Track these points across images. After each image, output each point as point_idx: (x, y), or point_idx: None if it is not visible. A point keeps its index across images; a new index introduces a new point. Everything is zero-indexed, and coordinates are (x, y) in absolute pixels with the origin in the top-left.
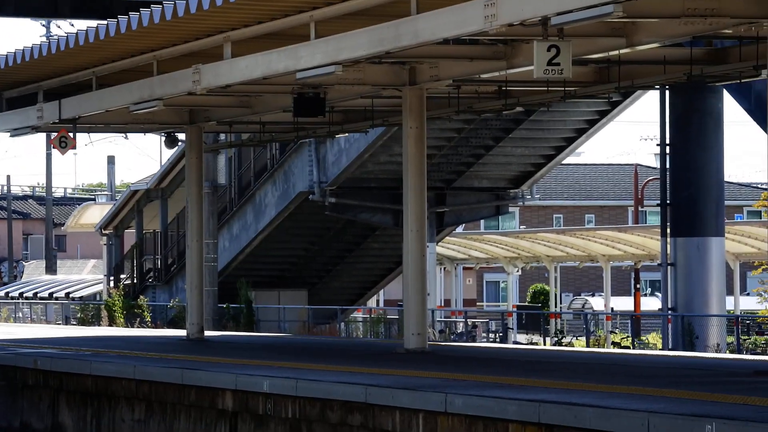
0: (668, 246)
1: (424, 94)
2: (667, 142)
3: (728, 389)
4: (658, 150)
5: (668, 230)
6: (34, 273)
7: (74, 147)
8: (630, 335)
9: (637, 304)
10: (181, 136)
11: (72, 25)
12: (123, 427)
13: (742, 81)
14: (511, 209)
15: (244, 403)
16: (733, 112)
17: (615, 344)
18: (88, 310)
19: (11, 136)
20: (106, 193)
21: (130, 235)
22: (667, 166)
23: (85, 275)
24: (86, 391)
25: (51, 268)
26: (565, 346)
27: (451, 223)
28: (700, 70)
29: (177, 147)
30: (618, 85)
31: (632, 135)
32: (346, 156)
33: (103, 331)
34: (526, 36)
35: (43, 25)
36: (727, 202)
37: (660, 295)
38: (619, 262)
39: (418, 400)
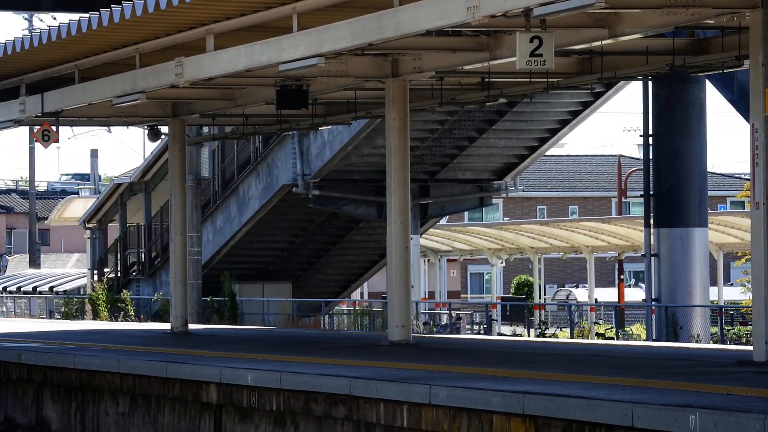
0: (652, 237)
1: (407, 85)
2: (650, 132)
3: (712, 379)
4: (641, 141)
5: (652, 221)
6: (17, 267)
7: (57, 140)
8: (614, 326)
9: (620, 295)
10: (164, 129)
11: (54, 18)
12: (107, 421)
13: (725, 71)
14: (494, 201)
15: (229, 396)
16: (715, 102)
17: (599, 335)
18: (72, 303)
19: None
20: (89, 186)
21: (113, 229)
22: (650, 156)
23: (69, 269)
24: (70, 385)
25: (35, 262)
26: (549, 337)
27: (435, 215)
28: (682, 61)
29: (160, 140)
30: (601, 76)
31: (615, 126)
32: (330, 148)
33: (87, 324)
34: (508, 27)
35: (26, 19)
36: (710, 193)
37: (644, 285)
38: (603, 253)
39: (402, 392)
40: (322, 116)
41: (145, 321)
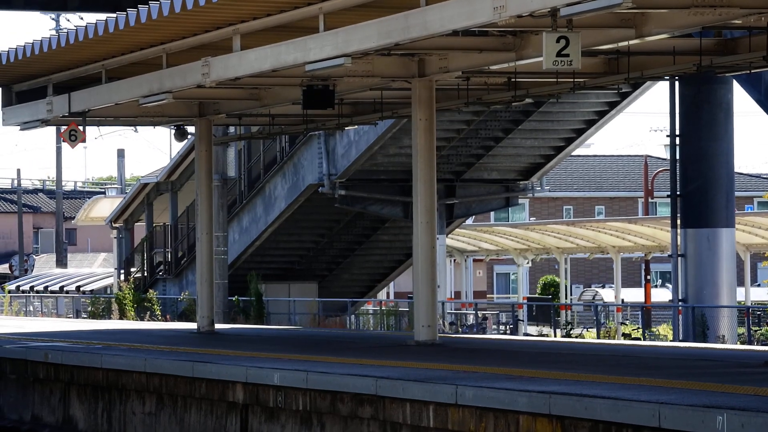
0: (678, 237)
1: (433, 85)
2: (677, 133)
3: (739, 380)
4: (668, 141)
5: (678, 221)
6: (44, 267)
7: (84, 140)
8: (640, 326)
9: (647, 295)
10: (191, 128)
11: (81, 18)
12: (134, 420)
13: (752, 71)
14: (521, 201)
15: (255, 396)
16: (742, 102)
17: (625, 335)
18: (98, 303)
19: (21, 129)
20: (116, 186)
21: (140, 229)
22: (677, 157)
23: (96, 269)
24: (97, 384)
25: (61, 262)
26: (576, 337)
27: (461, 215)
28: (709, 61)
29: (187, 140)
30: (627, 76)
31: (642, 126)
32: (356, 148)
33: (114, 324)
34: (535, 27)
35: (53, 19)
36: (737, 193)
37: (670, 286)
38: (630, 253)
39: (428, 392)
40: (348, 116)
41: (172, 321)
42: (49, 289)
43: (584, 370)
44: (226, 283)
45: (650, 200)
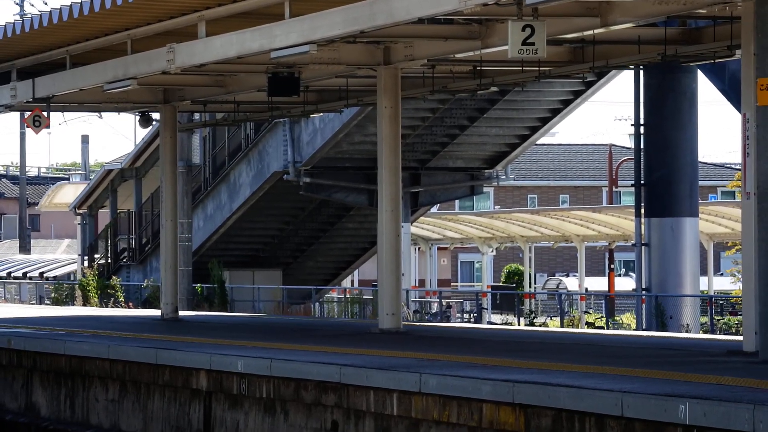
0: (642, 226)
1: (398, 73)
2: (642, 122)
3: (702, 369)
4: (632, 130)
5: (642, 210)
6: (7, 253)
7: (48, 126)
8: (604, 315)
9: (611, 284)
10: (156, 115)
11: (45, 3)
12: (97, 407)
13: (716, 61)
14: (485, 189)
15: (219, 383)
16: (707, 92)
17: (589, 324)
18: (62, 289)
19: None
20: (80, 172)
21: (104, 215)
22: (642, 146)
23: (59, 255)
24: (60, 370)
25: (25, 248)
26: (540, 326)
27: (426, 203)
28: (674, 50)
29: (151, 126)
30: (592, 65)
31: (607, 115)
32: (321, 136)
33: (77, 310)
34: (500, 15)
35: (17, 4)
36: (701, 183)
37: (634, 275)
38: (594, 242)
39: (392, 380)
40: (313, 103)
41: (135, 308)
42: (12, 275)
43: (548, 359)
44: (190, 270)
45: (614, 189)
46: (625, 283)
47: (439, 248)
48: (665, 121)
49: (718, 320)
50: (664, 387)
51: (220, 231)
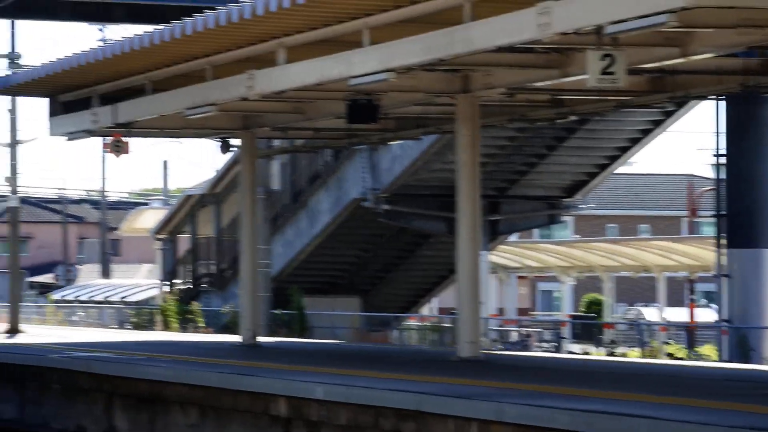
0: (723, 257)
1: (477, 101)
2: (723, 152)
3: None
4: (712, 160)
5: (723, 241)
6: (88, 277)
7: (128, 151)
8: (685, 346)
9: (691, 315)
10: (235, 141)
11: (126, 29)
12: None
13: None
14: (564, 218)
15: (298, 410)
16: None
17: (669, 355)
18: (142, 314)
19: (67, 139)
20: (160, 197)
21: (184, 240)
22: (722, 176)
23: (140, 279)
24: (140, 395)
25: (105, 272)
26: (619, 356)
27: (505, 232)
28: (754, 81)
29: (231, 152)
30: (672, 95)
31: (687, 145)
32: (400, 163)
33: (158, 335)
34: (579, 45)
35: (99, 30)
36: None
37: (715, 306)
38: (674, 272)
39: (471, 408)
40: (392, 131)
41: (215, 333)
42: (93, 299)
43: (627, 390)
44: (269, 296)
45: (694, 220)
46: (706, 315)
47: (518, 277)
48: (747, 152)
49: None
50: (746, 420)
51: (300, 257)
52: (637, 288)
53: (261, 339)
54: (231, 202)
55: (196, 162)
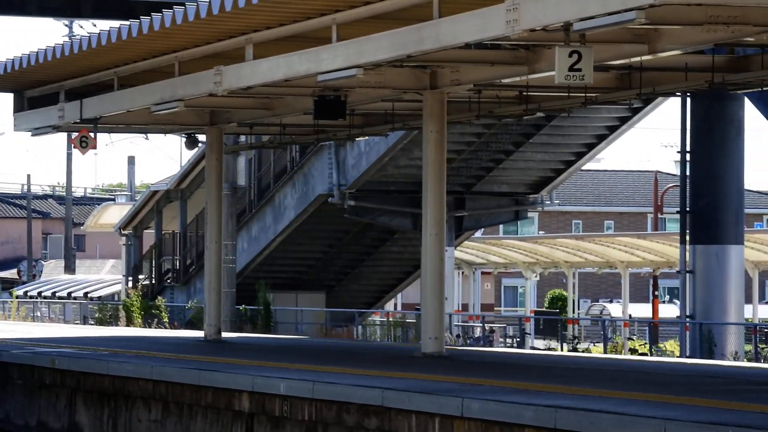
0: (687, 253)
1: (444, 98)
2: (688, 149)
3: (746, 398)
4: (678, 157)
5: (687, 237)
6: (53, 272)
7: (95, 147)
8: (648, 342)
9: (655, 311)
10: (202, 137)
11: (94, 25)
12: (139, 428)
13: (764, 89)
14: (530, 214)
15: (261, 405)
16: (753, 120)
17: (632, 351)
18: (106, 310)
19: (32, 135)
20: (126, 193)
21: (149, 236)
22: (688, 173)
23: (104, 275)
24: (103, 390)
25: (70, 268)
26: (582, 352)
27: (470, 228)
28: (721, 78)
29: (197, 148)
30: (639, 91)
31: (653, 142)
32: (366, 159)
33: (121, 331)
34: (547, 41)
35: (66, 25)
36: (746, 210)
37: (678, 302)
38: (638, 268)
39: (434, 404)
40: (359, 127)
41: (179, 328)
42: (57, 294)
43: (591, 385)
44: (234, 292)
45: (659, 216)
46: (669, 310)
47: (482, 273)
48: (712, 149)
49: (763, 348)
50: (708, 415)
51: (264, 253)
52: (601, 284)
53: (225, 335)
54: (197, 197)
55: (163, 157)
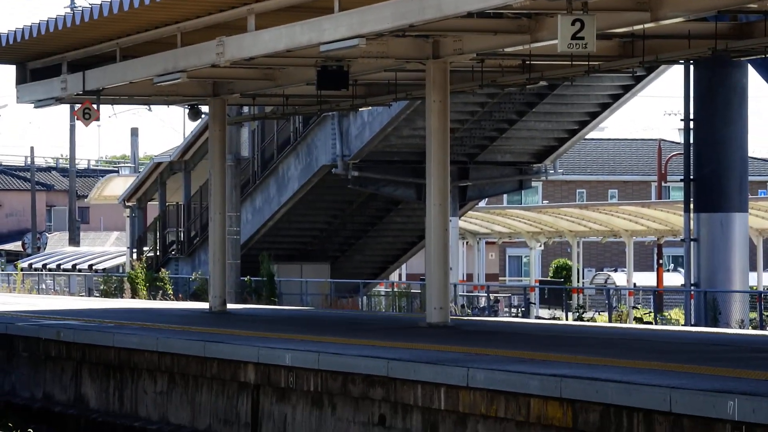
0: (691, 221)
1: (447, 67)
2: (691, 117)
3: (751, 365)
4: (681, 125)
5: (691, 206)
6: (57, 245)
7: (98, 119)
8: (652, 311)
9: (659, 279)
10: (205, 108)
11: None
12: (145, 399)
13: (767, 55)
14: (534, 184)
15: (266, 376)
16: (756, 86)
17: (637, 319)
18: (110, 282)
19: (35, 107)
20: (129, 165)
21: (153, 208)
22: (691, 141)
23: (108, 247)
24: (109, 363)
25: (74, 240)
26: (587, 321)
27: (474, 198)
28: (724, 45)
29: (200, 119)
30: (642, 59)
31: (656, 110)
32: (369, 129)
33: (126, 303)
34: (550, 10)
35: None
36: (750, 178)
37: (683, 270)
38: (642, 237)
39: (439, 374)
40: (362, 97)
41: (184, 300)
42: (61, 267)
43: (596, 354)
44: (238, 263)
45: (663, 184)
46: (674, 279)
47: (487, 242)
48: (715, 116)
49: None
50: (713, 383)
51: (269, 224)
52: (605, 253)
53: (230, 306)
54: (200, 169)
55: (166, 129)
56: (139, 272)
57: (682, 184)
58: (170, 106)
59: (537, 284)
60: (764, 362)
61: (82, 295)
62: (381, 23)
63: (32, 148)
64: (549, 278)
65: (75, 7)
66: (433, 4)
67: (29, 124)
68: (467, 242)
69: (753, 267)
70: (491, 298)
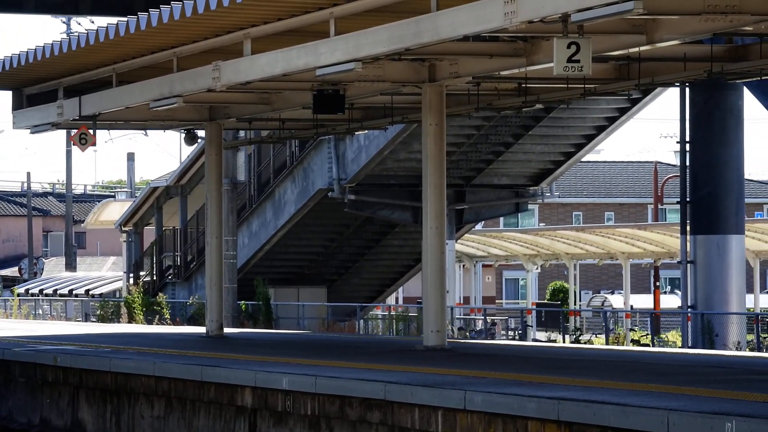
0: (688, 243)
1: (443, 91)
2: (687, 139)
3: (748, 387)
4: (677, 147)
5: (688, 228)
6: (53, 270)
7: (94, 144)
8: (649, 333)
9: (656, 301)
10: (201, 132)
11: (92, 21)
12: (142, 424)
13: (763, 78)
14: (530, 207)
15: (264, 400)
16: (752, 109)
17: (634, 342)
18: (107, 307)
19: (31, 132)
20: (126, 190)
21: (149, 232)
22: (687, 163)
23: (105, 272)
24: (106, 387)
25: (71, 265)
26: (584, 343)
27: (471, 221)
28: (720, 68)
29: (197, 144)
30: (638, 82)
31: (652, 132)
32: (366, 153)
33: (123, 328)
34: (546, 33)
35: (64, 22)
36: (747, 200)
37: (680, 292)
38: (639, 259)
39: (437, 397)
40: (358, 121)
41: (181, 324)
42: (58, 292)
43: (593, 376)
44: (235, 288)
45: (660, 206)
46: (671, 301)
47: (483, 265)
48: (711, 138)
49: (765, 338)
50: (711, 405)
51: (265, 248)
52: (602, 275)
53: (227, 330)
54: (197, 193)
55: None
56: (136, 297)
57: (678, 206)
58: (166, 130)
59: (534, 307)
60: (761, 384)
61: (78, 320)
62: (377, 47)
63: (29, 174)
64: (546, 301)
65: (71, 33)
66: (429, 28)
67: (25, 150)
68: (464, 265)
69: (750, 289)
70: (488, 321)
